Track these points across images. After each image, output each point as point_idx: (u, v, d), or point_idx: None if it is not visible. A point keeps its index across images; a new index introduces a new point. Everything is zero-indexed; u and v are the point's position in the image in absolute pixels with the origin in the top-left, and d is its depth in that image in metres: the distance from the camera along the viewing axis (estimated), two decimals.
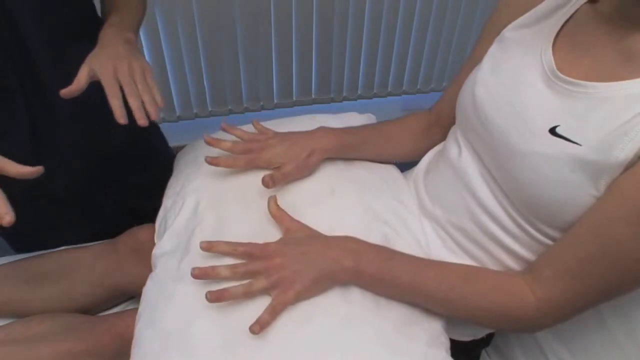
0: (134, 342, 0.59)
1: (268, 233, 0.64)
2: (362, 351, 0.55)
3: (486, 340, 0.78)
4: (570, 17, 0.59)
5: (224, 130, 0.77)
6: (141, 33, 1.54)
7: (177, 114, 1.76)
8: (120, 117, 0.60)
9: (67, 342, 0.66)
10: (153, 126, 1.04)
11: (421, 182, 0.76)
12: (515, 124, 0.58)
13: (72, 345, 0.66)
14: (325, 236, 0.63)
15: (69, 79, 0.61)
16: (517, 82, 0.60)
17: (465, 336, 0.72)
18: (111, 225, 0.86)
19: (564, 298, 0.54)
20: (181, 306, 0.58)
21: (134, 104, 0.62)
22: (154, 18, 1.52)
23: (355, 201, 0.70)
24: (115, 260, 0.79)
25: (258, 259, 0.58)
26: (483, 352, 0.84)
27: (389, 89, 1.97)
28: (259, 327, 0.54)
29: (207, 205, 0.69)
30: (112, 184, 0.94)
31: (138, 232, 0.81)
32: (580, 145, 0.50)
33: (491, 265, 0.65)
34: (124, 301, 0.83)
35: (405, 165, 0.84)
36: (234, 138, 0.76)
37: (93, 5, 0.82)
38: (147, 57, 1.58)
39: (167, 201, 0.76)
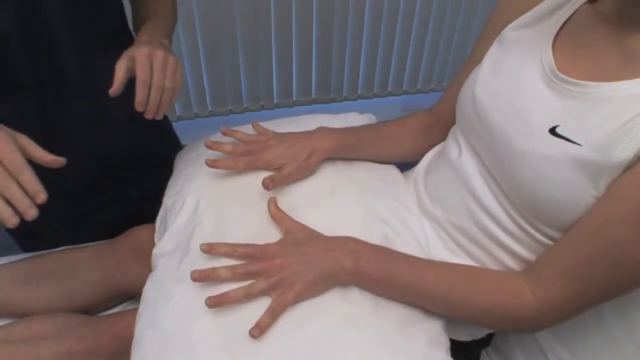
0: (134, 342, 0.59)
1: (268, 234, 0.64)
2: (362, 351, 0.55)
3: (486, 340, 0.78)
4: (570, 17, 0.59)
5: (224, 134, 0.77)
6: None
7: (177, 114, 1.75)
8: (140, 106, 0.63)
9: (67, 342, 0.66)
10: (169, 132, 1.05)
11: (421, 182, 0.76)
12: (515, 124, 0.58)
13: (72, 345, 0.66)
14: (325, 237, 0.63)
15: (93, 88, 0.62)
16: (517, 82, 0.60)
17: (465, 336, 0.72)
18: (112, 226, 0.86)
19: (564, 298, 0.54)
20: (181, 306, 0.58)
21: (154, 96, 0.63)
22: None
23: (356, 201, 0.70)
24: (115, 260, 0.79)
25: (258, 260, 0.58)
26: (483, 352, 0.84)
27: (389, 89, 1.97)
28: (259, 330, 0.54)
29: (207, 205, 0.69)
30: (120, 188, 0.94)
31: (138, 232, 0.81)
32: (581, 145, 0.50)
33: (491, 265, 0.65)
34: (124, 301, 0.83)
35: (405, 165, 0.84)
36: (234, 140, 0.76)
37: (125, 17, 0.84)
38: None
39: (167, 201, 0.76)
